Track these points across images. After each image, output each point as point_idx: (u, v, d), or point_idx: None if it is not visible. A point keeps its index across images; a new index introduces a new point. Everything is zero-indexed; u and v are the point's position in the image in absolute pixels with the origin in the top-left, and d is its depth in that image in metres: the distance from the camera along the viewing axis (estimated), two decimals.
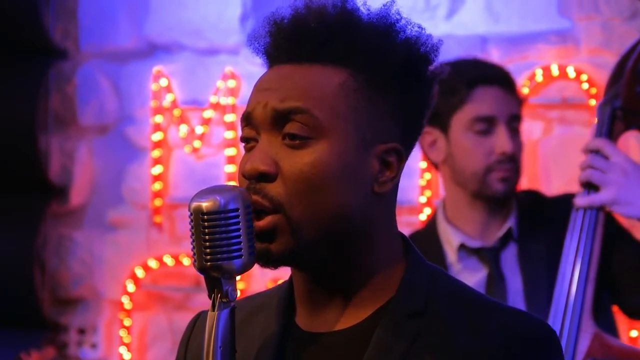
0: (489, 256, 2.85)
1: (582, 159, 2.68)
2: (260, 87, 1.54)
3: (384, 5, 1.55)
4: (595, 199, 2.63)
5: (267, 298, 1.63)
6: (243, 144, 1.56)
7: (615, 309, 2.83)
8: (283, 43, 1.55)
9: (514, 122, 2.87)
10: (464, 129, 2.82)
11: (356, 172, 1.50)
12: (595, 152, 2.65)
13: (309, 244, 1.49)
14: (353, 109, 1.51)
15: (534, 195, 2.97)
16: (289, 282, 1.61)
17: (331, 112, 1.50)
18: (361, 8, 1.55)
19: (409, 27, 1.55)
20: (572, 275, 2.62)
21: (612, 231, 2.74)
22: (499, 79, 2.87)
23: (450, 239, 2.88)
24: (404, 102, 1.54)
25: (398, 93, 1.53)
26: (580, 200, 2.65)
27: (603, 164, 2.62)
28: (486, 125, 2.82)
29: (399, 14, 1.55)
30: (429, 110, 1.58)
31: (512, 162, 2.83)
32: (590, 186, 2.65)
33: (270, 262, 1.50)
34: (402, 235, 1.59)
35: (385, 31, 1.54)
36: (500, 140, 2.81)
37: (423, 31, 1.56)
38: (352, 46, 1.52)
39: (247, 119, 1.54)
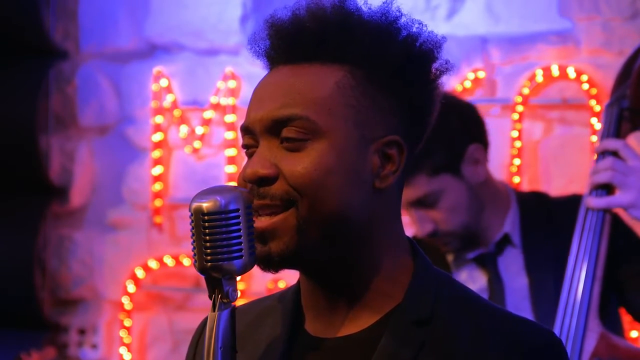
0: (487, 261, 2.84)
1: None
2: (256, 96, 1.55)
3: (384, 3, 1.55)
4: (614, 201, 2.62)
5: (275, 301, 1.63)
6: (244, 150, 1.56)
7: (622, 310, 2.83)
8: (281, 44, 1.55)
9: (419, 205, 2.77)
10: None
11: (356, 169, 1.50)
12: (612, 153, 2.64)
13: (310, 243, 1.49)
14: (350, 107, 1.51)
15: (538, 197, 2.95)
16: (297, 286, 1.60)
17: (327, 113, 1.50)
18: (362, 7, 1.55)
19: (410, 24, 1.55)
20: (579, 275, 2.62)
21: (619, 233, 2.74)
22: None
23: None
24: (405, 98, 1.54)
25: (398, 89, 1.53)
26: (597, 202, 2.63)
27: (623, 166, 2.61)
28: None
29: (399, 11, 1.55)
30: (434, 105, 1.57)
31: (438, 235, 2.80)
32: (604, 187, 2.64)
33: (272, 264, 1.50)
34: (408, 238, 1.59)
35: (385, 28, 1.54)
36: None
37: (425, 28, 1.56)
38: (349, 43, 1.52)
39: (245, 130, 1.55)
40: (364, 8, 1.55)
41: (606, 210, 2.64)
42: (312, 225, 1.48)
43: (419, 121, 1.57)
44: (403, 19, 1.55)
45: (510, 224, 2.84)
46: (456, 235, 2.79)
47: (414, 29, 1.55)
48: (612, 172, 2.60)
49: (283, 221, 1.49)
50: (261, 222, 1.49)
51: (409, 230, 2.70)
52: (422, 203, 2.75)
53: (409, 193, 2.73)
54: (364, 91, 1.52)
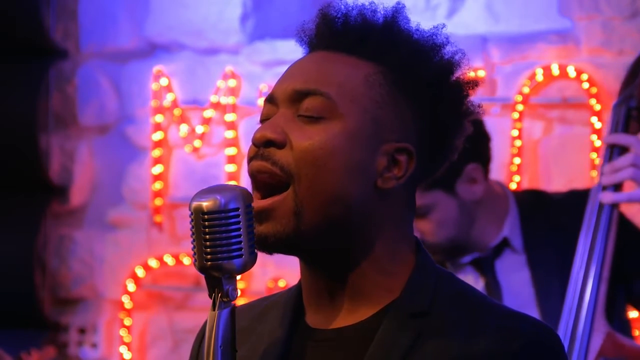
0: (484, 265, 2.82)
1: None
2: (287, 71, 1.58)
3: (434, 27, 1.60)
4: (635, 195, 2.61)
5: (280, 297, 1.65)
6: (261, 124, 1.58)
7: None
8: (324, 31, 1.59)
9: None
10: None
11: (361, 161, 1.52)
12: (622, 149, 2.63)
13: (307, 229, 1.50)
14: (373, 101, 1.53)
15: (537, 195, 2.94)
16: (300, 283, 1.62)
17: (349, 99, 1.52)
18: (413, 25, 1.59)
19: (454, 53, 1.60)
20: (586, 275, 2.61)
21: (624, 229, 2.73)
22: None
23: None
24: (429, 115, 1.56)
25: (425, 104, 1.56)
26: (617, 196, 2.61)
27: None
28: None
29: (447, 39, 1.60)
30: (459, 133, 1.60)
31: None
32: (618, 185, 2.63)
33: (267, 246, 1.51)
34: (415, 238, 1.61)
35: (428, 47, 1.58)
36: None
37: (467, 62, 1.60)
38: (389, 46, 1.56)
39: (269, 99, 1.57)
40: (414, 27, 1.59)
41: (614, 206, 2.63)
42: (310, 209, 1.49)
43: (439, 142, 1.59)
44: (449, 47, 1.60)
45: (509, 228, 2.81)
46: (441, 248, 2.76)
47: (456, 58, 1.60)
48: (634, 169, 2.59)
49: (281, 203, 1.50)
50: (259, 202, 1.50)
51: None
52: None
53: None
54: (390, 93, 1.54)
